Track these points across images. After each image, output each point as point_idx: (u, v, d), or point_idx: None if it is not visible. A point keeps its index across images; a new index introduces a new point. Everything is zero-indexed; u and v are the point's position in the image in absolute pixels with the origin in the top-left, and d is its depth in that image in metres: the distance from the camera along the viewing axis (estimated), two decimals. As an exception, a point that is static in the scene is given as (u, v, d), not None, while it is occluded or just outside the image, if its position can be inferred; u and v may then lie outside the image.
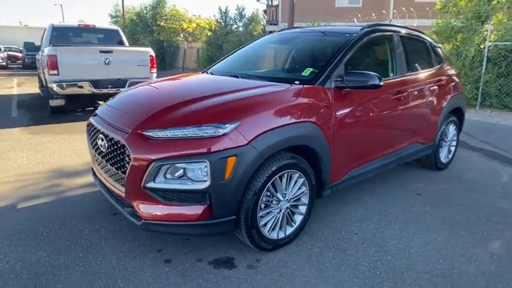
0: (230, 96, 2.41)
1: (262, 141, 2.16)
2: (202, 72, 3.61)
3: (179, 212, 2.13)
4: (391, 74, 3.29)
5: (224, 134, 2.06)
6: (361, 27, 3.18)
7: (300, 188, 2.52)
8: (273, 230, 2.43)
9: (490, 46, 7.41)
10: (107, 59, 6.92)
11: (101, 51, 6.91)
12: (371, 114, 2.95)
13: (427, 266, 2.33)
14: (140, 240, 2.60)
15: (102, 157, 2.52)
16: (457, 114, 4.24)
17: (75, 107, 7.71)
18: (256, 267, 2.30)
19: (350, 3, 18.48)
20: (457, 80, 4.26)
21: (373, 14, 13.05)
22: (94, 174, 2.94)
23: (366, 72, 2.61)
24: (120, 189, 2.33)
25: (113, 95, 7.56)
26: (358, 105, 2.82)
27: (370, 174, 3.18)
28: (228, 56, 3.84)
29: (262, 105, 2.29)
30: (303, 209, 2.59)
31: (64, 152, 4.68)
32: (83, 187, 3.56)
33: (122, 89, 7.14)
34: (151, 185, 2.09)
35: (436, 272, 2.27)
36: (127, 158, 2.18)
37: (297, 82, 2.67)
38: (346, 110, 2.72)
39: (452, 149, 4.34)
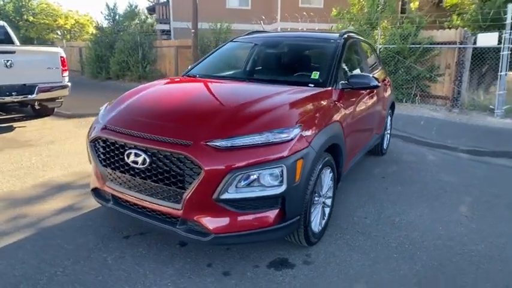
0: (274, 100, 2.45)
1: (317, 141, 2.30)
2: (187, 76, 3.45)
3: (254, 220, 2.10)
4: (363, 75, 3.77)
5: (292, 138, 2.12)
6: (339, 34, 3.55)
7: (328, 183, 2.73)
8: (315, 224, 2.59)
9: (380, 48, 8.91)
10: (8, 61, 5.71)
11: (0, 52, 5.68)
12: (359, 110, 3.35)
13: (434, 234, 2.85)
14: (180, 259, 2.41)
15: (132, 175, 2.24)
16: (392, 107, 5.08)
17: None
18: (312, 262, 2.43)
19: (240, 5, 19.24)
20: (388, 78, 5.10)
21: (276, 16, 13.98)
22: (99, 196, 2.58)
23: (366, 74, 3.00)
24: (171, 207, 2.14)
25: (18, 103, 6.43)
26: (354, 103, 3.19)
27: (355, 164, 3.60)
28: (205, 59, 3.74)
29: (310, 107, 2.42)
30: (329, 201, 2.81)
31: (-8, 177, 3.79)
32: (58, 213, 3.02)
33: (30, 96, 6.08)
34: (225, 196, 2.01)
35: (443, 237, 2.80)
36: (190, 172, 2.03)
37: (311, 85, 2.87)
38: (349, 108, 3.04)
39: (388, 136, 5.18)
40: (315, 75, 3.01)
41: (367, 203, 3.41)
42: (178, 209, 2.11)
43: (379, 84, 2.99)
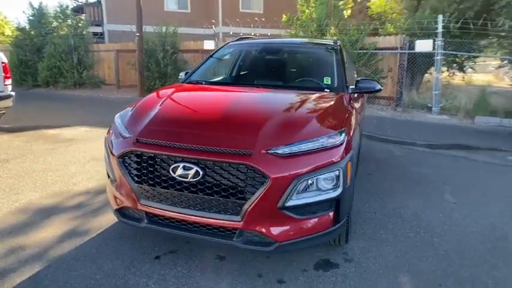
0: (311, 106, 2.51)
1: (354, 144, 2.42)
2: (190, 83, 3.33)
3: (313, 225, 2.13)
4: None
5: (342, 142, 2.20)
6: (333, 41, 3.74)
7: (351, 183, 2.87)
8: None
9: (330, 54, 9.48)
10: None
11: None
12: (360, 111, 3.57)
13: (439, 221, 3.16)
14: (226, 273, 2.33)
15: (179, 189, 2.12)
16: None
17: None
18: (352, 259, 2.53)
19: (179, 8, 18.85)
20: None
21: (217, 20, 13.92)
22: (126, 216, 2.38)
23: (371, 79, 3.20)
24: (228, 220, 2.06)
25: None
26: (358, 106, 3.39)
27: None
28: (202, 65, 3.64)
29: (343, 112, 2.53)
30: (350, 200, 2.95)
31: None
32: (62, 241, 2.69)
33: None
34: (290, 203, 2.02)
35: (447, 223, 3.13)
36: (252, 182, 1.99)
37: (327, 90, 2.99)
38: (357, 110, 3.22)
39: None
40: (327, 80, 3.13)
41: (369, 199, 3.63)
42: (237, 221, 2.05)
43: (382, 88, 3.22)
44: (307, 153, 2.07)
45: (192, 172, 2.05)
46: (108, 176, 2.66)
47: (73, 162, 4.63)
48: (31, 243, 2.65)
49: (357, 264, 2.47)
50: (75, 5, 21.78)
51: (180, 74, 3.78)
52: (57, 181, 3.94)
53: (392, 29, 11.10)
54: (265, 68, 3.63)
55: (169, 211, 2.19)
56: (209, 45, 11.15)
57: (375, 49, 9.16)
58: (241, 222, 2.04)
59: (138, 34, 11.42)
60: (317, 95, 2.80)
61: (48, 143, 5.58)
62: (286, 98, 2.75)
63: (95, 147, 5.38)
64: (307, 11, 9.95)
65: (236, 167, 2.01)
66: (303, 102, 2.56)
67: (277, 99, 2.74)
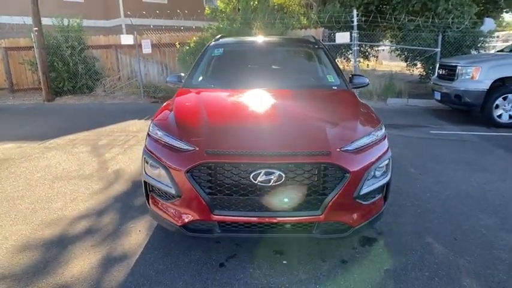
0: (348, 104, 2.85)
1: (384, 135, 2.83)
2: (193, 88, 3.27)
3: (373, 208, 2.46)
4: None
5: (385, 135, 2.58)
6: (312, 37, 4.08)
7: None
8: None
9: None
10: None
11: None
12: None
13: (420, 190, 3.83)
14: (296, 265, 2.52)
15: (259, 195, 2.22)
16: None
17: None
18: (382, 232, 2.97)
19: (70, -4, 16.74)
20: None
21: (118, 11, 12.88)
22: (194, 230, 2.35)
23: (362, 75, 3.66)
24: (309, 215, 2.26)
25: None
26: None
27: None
28: (198, 69, 3.57)
29: (368, 106, 2.92)
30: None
31: None
32: (105, 270, 2.48)
33: None
34: (362, 191, 2.30)
35: (426, 191, 3.82)
36: (332, 178, 2.22)
37: (334, 88, 3.32)
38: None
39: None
40: (331, 78, 3.46)
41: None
42: (317, 215, 2.25)
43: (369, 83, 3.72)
44: (370, 147, 2.39)
45: (274, 177, 2.16)
46: (149, 196, 2.55)
47: (34, 186, 4.02)
48: (72, 279, 2.37)
49: (389, 235, 2.92)
50: None
51: (168, 79, 3.65)
52: (35, 209, 3.43)
53: (305, 22, 12.03)
54: (268, 68, 3.75)
55: (247, 217, 2.26)
56: (127, 39, 10.36)
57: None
58: (322, 216, 2.25)
59: (36, 29, 9.91)
60: (336, 93, 3.12)
61: (-21, 166, 4.67)
62: (316, 97, 3.00)
63: (47, 164, 4.73)
64: (230, 4, 10.09)
65: (317, 167, 2.20)
66: (335, 101, 2.86)
67: (311, 100, 2.96)
